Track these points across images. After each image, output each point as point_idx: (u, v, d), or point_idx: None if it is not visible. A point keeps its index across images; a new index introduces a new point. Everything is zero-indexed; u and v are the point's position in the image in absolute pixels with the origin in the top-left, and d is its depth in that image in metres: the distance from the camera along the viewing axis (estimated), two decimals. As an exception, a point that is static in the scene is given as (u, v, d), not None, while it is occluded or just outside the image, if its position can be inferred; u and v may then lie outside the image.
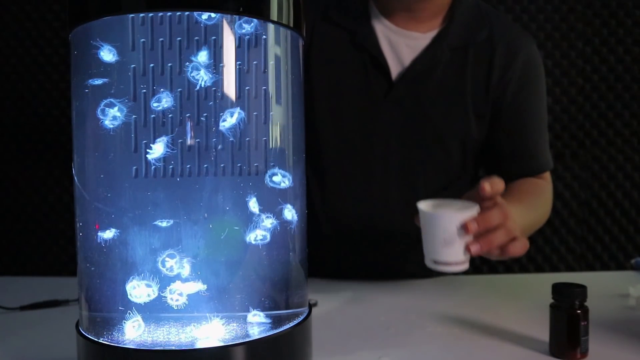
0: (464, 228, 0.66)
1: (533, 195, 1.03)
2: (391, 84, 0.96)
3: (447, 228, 0.66)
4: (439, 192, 1.03)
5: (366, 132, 0.99)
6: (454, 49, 0.97)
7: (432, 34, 0.97)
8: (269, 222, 0.50)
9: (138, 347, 0.47)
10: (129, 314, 0.48)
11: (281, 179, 0.50)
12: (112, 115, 0.47)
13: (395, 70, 0.97)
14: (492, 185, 0.68)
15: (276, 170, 0.50)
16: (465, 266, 0.68)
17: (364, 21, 0.98)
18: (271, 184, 0.50)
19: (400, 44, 0.97)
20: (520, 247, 0.70)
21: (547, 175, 1.09)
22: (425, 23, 0.98)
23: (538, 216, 1.00)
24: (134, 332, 0.48)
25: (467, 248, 0.67)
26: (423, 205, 0.70)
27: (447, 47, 0.96)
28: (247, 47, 0.49)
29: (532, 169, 1.05)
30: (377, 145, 0.99)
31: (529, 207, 0.94)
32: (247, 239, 0.49)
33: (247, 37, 0.49)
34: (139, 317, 0.48)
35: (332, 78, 0.99)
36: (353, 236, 1.04)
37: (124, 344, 0.48)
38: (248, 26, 0.49)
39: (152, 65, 0.47)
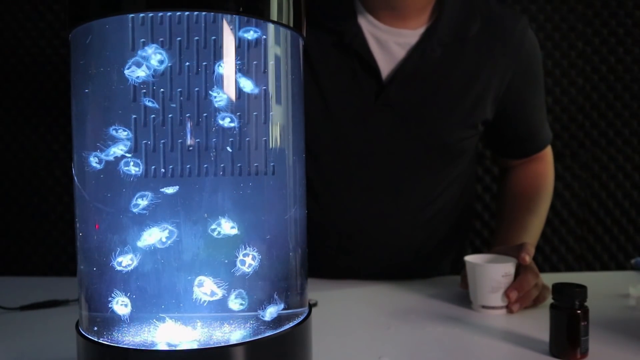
0: (506, 279, 0.80)
1: (539, 194, 1.07)
2: (382, 86, 0.94)
3: (494, 278, 0.80)
4: (436, 194, 1.03)
5: (357, 138, 0.96)
6: (445, 45, 0.93)
7: (421, 30, 0.94)
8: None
9: (138, 347, 0.47)
10: (116, 295, 0.48)
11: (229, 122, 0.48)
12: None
13: (385, 70, 0.94)
14: (530, 255, 0.82)
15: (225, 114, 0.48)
16: (504, 311, 0.81)
17: (350, 20, 0.94)
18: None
19: (390, 42, 0.94)
20: (548, 295, 0.83)
21: (548, 148, 1.11)
22: (413, 19, 0.94)
23: (545, 212, 1.07)
24: (123, 309, 0.48)
25: (508, 306, 0.80)
26: (472, 259, 0.84)
27: (437, 43, 0.93)
28: (247, 47, 0.49)
29: (536, 147, 1.09)
30: (372, 149, 0.97)
31: (537, 212, 1.04)
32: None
33: (248, 39, 0.49)
34: (122, 296, 0.48)
35: (319, 82, 0.96)
36: (349, 240, 1.03)
37: (124, 344, 0.48)
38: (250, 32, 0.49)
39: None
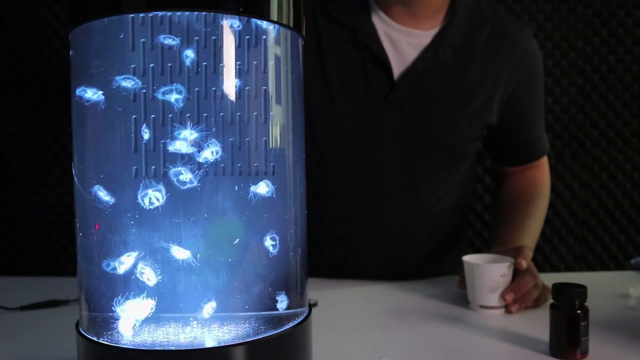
0: (504, 279, 0.80)
1: (536, 199, 1.07)
2: (392, 84, 0.95)
3: (492, 277, 0.80)
4: (439, 195, 1.03)
5: (366, 135, 0.97)
6: (455, 48, 0.95)
7: (433, 31, 0.96)
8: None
9: (138, 347, 0.47)
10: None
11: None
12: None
13: (397, 69, 0.95)
14: (527, 260, 0.81)
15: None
16: (503, 310, 0.81)
17: (364, 17, 0.96)
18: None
19: (402, 42, 0.95)
20: (548, 296, 0.82)
21: (545, 158, 1.12)
22: (426, 20, 0.96)
23: (542, 217, 1.07)
24: (129, 260, 0.48)
25: (507, 307, 0.80)
26: (470, 259, 0.84)
27: (449, 45, 0.95)
28: (247, 47, 0.49)
29: (534, 155, 1.11)
30: (378, 148, 0.98)
31: (535, 216, 1.04)
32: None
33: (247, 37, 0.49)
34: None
35: (328, 78, 0.97)
36: (352, 238, 1.04)
37: (124, 344, 0.48)
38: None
39: (152, 65, 0.47)
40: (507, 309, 0.80)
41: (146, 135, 0.46)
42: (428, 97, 0.96)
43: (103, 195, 0.48)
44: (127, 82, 0.47)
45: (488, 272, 0.80)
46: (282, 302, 0.52)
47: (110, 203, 0.48)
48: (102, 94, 0.48)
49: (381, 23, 0.96)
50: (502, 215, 1.07)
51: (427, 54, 0.95)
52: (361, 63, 0.95)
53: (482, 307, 0.80)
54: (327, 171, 1.01)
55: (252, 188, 0.49)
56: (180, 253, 0.47)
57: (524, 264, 0.80)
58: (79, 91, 0.49)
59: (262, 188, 0.49)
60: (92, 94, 0.48)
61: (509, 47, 0.98)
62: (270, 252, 0.51)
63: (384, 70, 0.95)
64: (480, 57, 0.96)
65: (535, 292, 0.81)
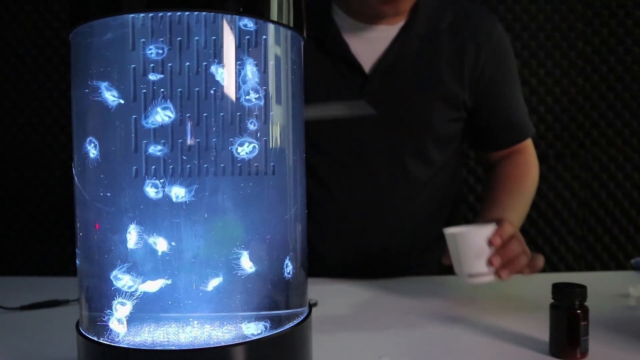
0: (489, 242, 0.78)
1: (523, 179, 1.08)
2: (366, 78, 0.99)
3: (477, 243, 0.78)
4: (425, 180, 1.05)
5: (347, 130, 1.01)
6: (422, 37, 1.00)
7: (399, 25, 1.01)
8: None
9: (138, 347, 0.47)
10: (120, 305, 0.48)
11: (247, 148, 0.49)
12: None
13: (368, 63, 1.00)
14: (502, 237, 0.80)
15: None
16: (492, 277, 0.79)
17: (329, 26, 1.00)
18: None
19: (371, 38, 1.00)
20: (541, 261, 0.83)
21: (529, 143, 1.12)
22: (392, 18, 1.00)
23: (529, 199, 1.08)
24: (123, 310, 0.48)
25: (492, 265, 0.79)
26: (451, 230, 0.82)
27: (415, 35, 0.99)
28: (247, 47, 0.49)
29: (514, 139, 1.11)
30: (361, 141, 1.01)
31: (521, 194, 1.05)
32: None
33: (247, 37, 0.49)
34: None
35: (306, 83, 0.99)
36: (348, 234, 1.05)
37: (124, 344, 0.48)
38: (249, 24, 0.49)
39: (152, 65, 0.47)
40: (497, 275, 0.78)
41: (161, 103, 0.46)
42: (401, 86, 1.00)
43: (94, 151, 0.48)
44: (110, 94, 0.47)
45: (470, 237, 0.78)
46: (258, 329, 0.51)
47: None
48: (121, 100, 0.47)
49: (346, 24, 1.00)
50: (488, 195, 1.08)
51: (395, 45, 0.99)
52: (332, 65, 1.00)
53: (470, 275, 0.78)
54: (320, 171, 1.03)
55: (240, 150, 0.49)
56: (246, 262, 0.49)
57: (498, 240, 0.78)
58: (102, 85, 0.48)
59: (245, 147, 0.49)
60: (110, 95, 0.48)
61: (472, 30, 1.01)
62: (285, 275, 0.52)
63: (355, 67, 0.99)
64: (445, 42, 1.00)
65: (524, 259, 0.80)
